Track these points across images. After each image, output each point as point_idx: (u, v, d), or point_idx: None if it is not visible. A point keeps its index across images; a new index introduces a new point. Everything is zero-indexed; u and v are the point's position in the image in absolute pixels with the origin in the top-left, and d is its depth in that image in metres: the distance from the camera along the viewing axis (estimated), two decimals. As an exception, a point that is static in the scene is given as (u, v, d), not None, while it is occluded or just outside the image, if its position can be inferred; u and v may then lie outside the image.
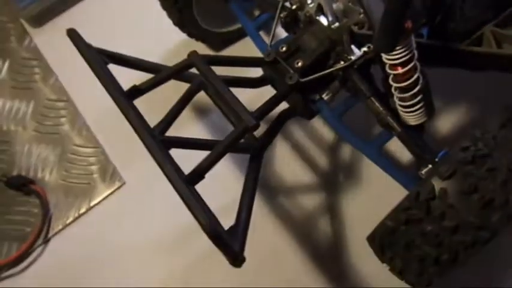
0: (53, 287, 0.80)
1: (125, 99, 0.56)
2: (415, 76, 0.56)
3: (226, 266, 0.49)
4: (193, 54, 0.59)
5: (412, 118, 0.61)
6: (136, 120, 0.52)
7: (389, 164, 0.64)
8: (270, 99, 0.60)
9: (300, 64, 0.62)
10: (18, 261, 0.83)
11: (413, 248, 0.51)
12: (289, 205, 0.79)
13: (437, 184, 0.49)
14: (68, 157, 0.91)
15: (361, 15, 0.61)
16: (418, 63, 0.57)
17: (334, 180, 0.79)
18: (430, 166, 0.56)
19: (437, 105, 0.62)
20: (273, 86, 0.66)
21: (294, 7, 0.64)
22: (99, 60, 0.54)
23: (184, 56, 0.60)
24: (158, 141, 0.54)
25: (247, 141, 0.61)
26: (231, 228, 0.50)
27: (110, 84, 0.53)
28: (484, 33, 0.60)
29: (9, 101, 0.98)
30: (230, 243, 0.47)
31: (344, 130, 0.67)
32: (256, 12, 0.78)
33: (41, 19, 1.04)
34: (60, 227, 0.85)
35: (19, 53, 1.03)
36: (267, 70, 0.65)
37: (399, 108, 0.61)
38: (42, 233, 0.85)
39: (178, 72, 0.59)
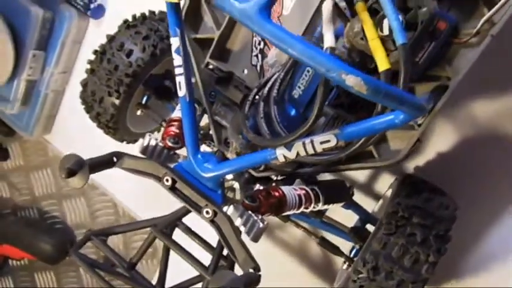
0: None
1: (130, 274, 0.79)
2: (313, 200, 0.67)
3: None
4: (153, 229, 0.77)
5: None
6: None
7: (333, 230, 0.78)
8: (218, 243, 0.76)
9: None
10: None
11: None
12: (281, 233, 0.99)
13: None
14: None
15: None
16: (309, 190, 0.66)
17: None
18: (346, 263, 0.71)
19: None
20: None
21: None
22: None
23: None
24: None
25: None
26: None
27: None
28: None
29: (68, 203, 1.27)
30: None
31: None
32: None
33: (47, 127, 1.23)
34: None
35: (53, 163, 1.27)
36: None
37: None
38: None
39: (150, 244, 0.78)
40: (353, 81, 0.38)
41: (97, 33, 1.10)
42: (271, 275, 1.02)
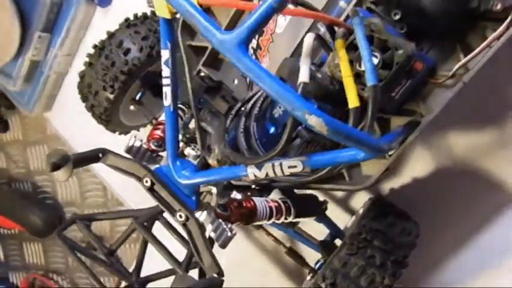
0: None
1: (108, 259, 0.83)
2: (284, 213, 0.70)
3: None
4: (134, 221, 0.80)
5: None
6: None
7: (304, 241, 0.81)
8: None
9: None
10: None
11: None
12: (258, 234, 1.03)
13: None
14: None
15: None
16: (281, 203, 0.70)
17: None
18: (310, 275, 0.74)
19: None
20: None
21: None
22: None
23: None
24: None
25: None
26: None
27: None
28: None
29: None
30: None
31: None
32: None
33: (48, 105, 1.26)
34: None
35: (50, 141, 1.31)
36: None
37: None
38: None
39: (130, 234, 0.82)
40: (315, 121, 0.41)
41: (103, 21, 1.13)
42: (245, 274, 1.07)
